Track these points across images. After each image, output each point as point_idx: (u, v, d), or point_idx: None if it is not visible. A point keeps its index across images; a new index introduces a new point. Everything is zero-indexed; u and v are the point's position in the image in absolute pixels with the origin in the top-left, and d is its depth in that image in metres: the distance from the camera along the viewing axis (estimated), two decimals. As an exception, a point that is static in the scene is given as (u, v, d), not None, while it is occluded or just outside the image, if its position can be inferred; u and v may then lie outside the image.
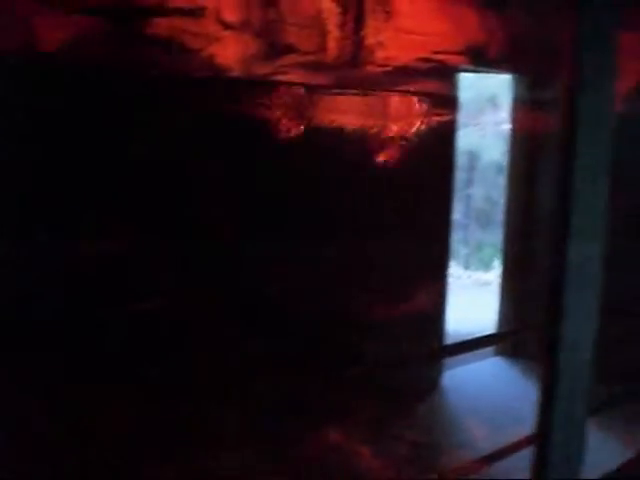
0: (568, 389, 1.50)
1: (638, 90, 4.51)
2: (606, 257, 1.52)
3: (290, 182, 3.41)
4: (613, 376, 4.32)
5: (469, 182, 9.99)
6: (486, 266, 9.49)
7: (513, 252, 5.60)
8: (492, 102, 9.22)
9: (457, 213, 10.22)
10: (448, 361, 4.98)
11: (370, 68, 3.29)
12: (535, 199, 5.48)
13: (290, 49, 3.06)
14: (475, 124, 9.62)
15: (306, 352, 3.29)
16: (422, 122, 3.90)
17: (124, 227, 2.89)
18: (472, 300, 7.07)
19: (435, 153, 4.29)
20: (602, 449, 2.96)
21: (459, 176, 9.99)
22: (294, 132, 3.32)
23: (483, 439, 3.39)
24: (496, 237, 7.48)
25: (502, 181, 6.05)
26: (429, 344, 4.45)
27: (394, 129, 3.67)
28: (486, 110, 9.45)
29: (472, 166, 9.99)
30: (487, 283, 8.12)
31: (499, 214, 6.29)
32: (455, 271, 9.55)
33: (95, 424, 2.74)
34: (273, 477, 2.78)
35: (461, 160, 9.87)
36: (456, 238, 10.13)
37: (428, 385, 4.66)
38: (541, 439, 1.50)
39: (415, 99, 3.66)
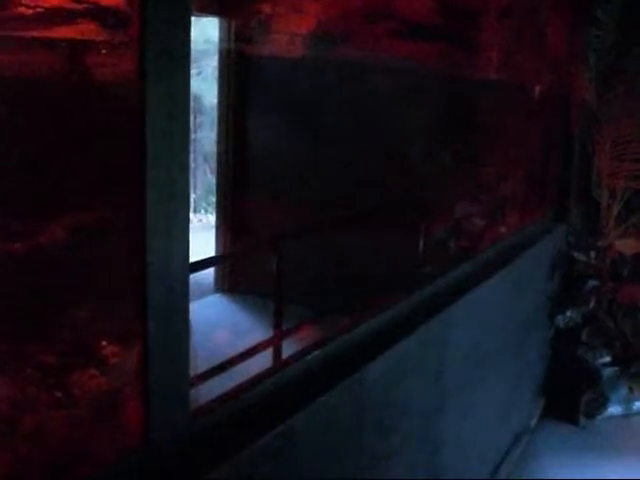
0: (163, 319, 1.61)
1: (317, 35, 4.81)
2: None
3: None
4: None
5: (196, 126, 10.05)
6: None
7: (226, 195, 5.80)
8: (213, 45, 9.29)
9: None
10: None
11: (20, 10, 3.17)
12: (244, 141, 5.69)
13: None
14: (196, 68, 9.66)
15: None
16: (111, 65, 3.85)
17: None
18: (200, 242, 7.22)
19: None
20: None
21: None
22: None
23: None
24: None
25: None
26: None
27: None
28: (208, 54, 9.51)
29: (199, 110, 10.06)
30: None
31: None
32: (185, 215, 9.65)
33: None
34: None
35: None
36: (186, 182, 10.21)
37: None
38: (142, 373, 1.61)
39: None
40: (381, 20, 4.89)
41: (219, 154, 5.81)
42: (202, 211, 9.79)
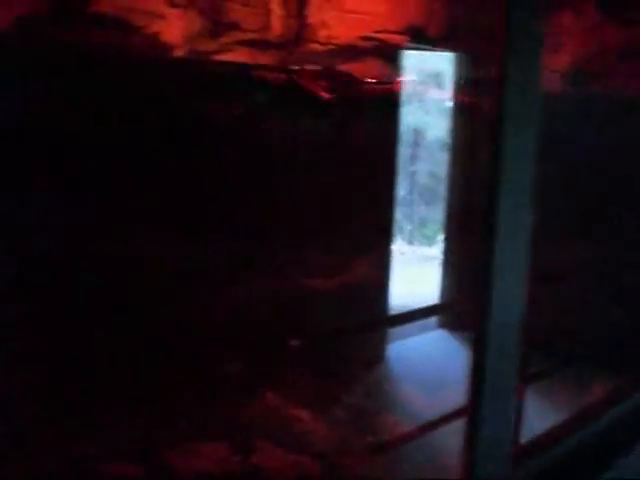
0: (497, 360, 1.57)
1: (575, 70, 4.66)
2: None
3: (230, 165, 3.45)
4: (550, 343, 4.49)
5: (414, 159, 10.10)
6: (430, 241, 9.65)
7: (455, 227, 5.73)
8: (436, 80, 9.31)
9: (402, 189, 10.36)
10: (393, 333, 5.08)
11: (313, 46, 3.34)
12: (477, 175, 5.61)
13: (234, 27, 3.08)
14: (420, 101, 9.73)
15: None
16: (366, 99, 3.97)
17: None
18: (416, 274, 7.19)
19: (379, 130, 4.36)
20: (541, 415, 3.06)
21: (404, 153, 10.11)
22: (240, 112, 3.36)
23: (423, 409, 3.48)
24: (439, 213, 7.63)
25: (446, 158, 6.15)
26: (374, 316, 4.53)
27: (337, 105, 3.74)
28: (431, 87, 9.55)
29: (417, 143, 10.10)
30: (431, 258, 8.25)
31: (443, 190, 6.41)
32: (400, 247, 9.69)
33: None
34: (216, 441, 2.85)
35: (406, 137, 9.97)
36: (401, 214, 10.27)
37: (373, 356, 4.75)
38: (472, 411, 1.57)
39: (357, 77, 3.74)
40: (636, 58, 4.68)
41: (450, 188, 5.78)
42: (416, 243, 9.78)
